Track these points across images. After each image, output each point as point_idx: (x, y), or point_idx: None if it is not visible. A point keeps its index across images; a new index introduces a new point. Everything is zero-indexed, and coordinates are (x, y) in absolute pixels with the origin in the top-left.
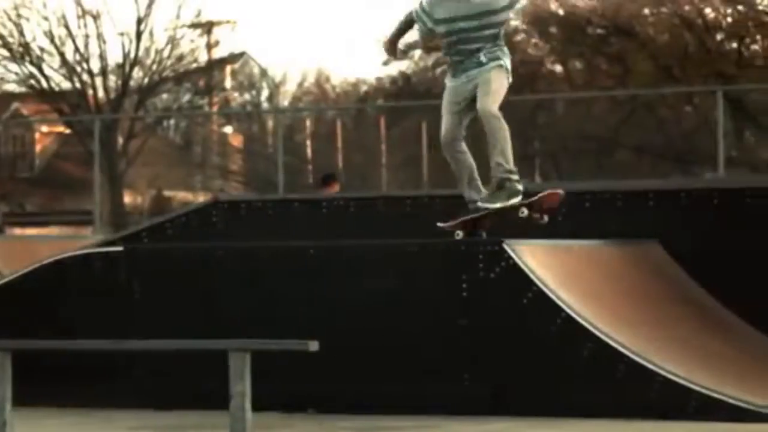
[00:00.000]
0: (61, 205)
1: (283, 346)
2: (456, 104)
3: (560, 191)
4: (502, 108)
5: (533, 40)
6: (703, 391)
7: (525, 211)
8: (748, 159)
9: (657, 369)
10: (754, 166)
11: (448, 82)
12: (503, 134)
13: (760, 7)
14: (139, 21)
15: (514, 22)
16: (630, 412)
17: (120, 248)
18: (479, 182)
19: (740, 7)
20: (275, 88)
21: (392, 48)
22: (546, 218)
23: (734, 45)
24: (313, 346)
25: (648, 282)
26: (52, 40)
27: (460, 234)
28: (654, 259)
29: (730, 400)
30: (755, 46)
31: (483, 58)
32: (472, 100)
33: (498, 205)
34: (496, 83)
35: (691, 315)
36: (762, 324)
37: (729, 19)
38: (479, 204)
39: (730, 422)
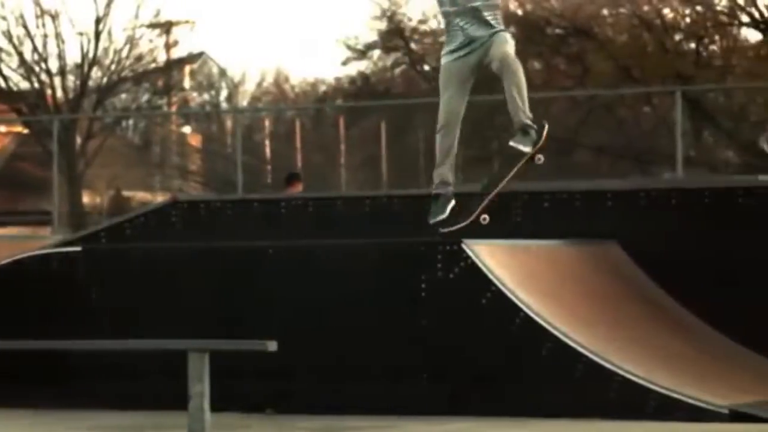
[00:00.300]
0: (20, 205)
1: (241, 347)
2: (461, 81)
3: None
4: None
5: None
6: (662, 390)
7: (541, 158)
8: (706, 159)
9: (616, 369)
10: (713, 166)
11: (450, 57)
12: (524, 80)
13: (718, 8)
14: (98, 21)
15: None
16: (589, 412)
17: (78, 248)
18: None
19: (698, 8)
20: (234, 88)
21: None
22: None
23: (692, 45)
24: (272, 346)
25: (607, 282)
26: (10, 40)
27: (486, 218)
28: (613, 259)
29: (689, 400)
30: (713, 47)
31: (494, 24)
32: (477, 68)
33: (528, 149)
34: (512, 42)
35: (650, 315)
36: (720, 323)
37: (687, 20)
38: (511, 143)
39: (689, 422)
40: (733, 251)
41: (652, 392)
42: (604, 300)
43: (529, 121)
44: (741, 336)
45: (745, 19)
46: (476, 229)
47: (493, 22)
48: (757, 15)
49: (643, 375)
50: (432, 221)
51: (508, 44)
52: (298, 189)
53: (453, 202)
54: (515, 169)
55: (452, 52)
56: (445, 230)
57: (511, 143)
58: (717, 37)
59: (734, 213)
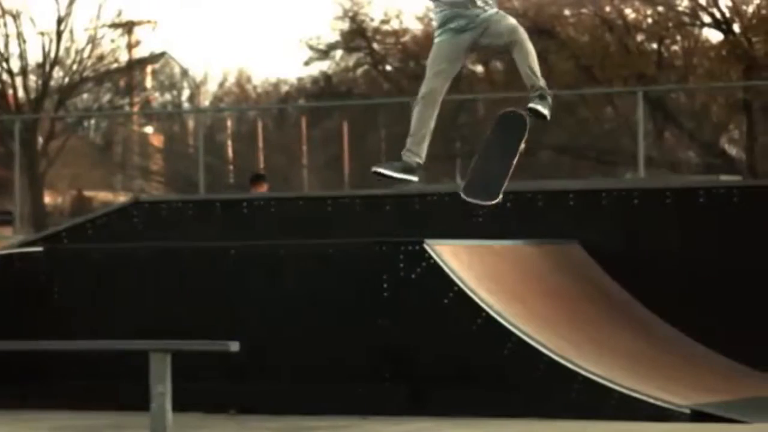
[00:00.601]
0: None
1: (204, 347)
2: (451, 59)
3: None
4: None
5: None
6: (624, 390)
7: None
8: (668, 159)
9: (577, 368)
10: (674, 167)
11: (443, 36)
12: (533, 49)
13: (680, 8)
14: (60, 21)
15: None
16: (551, 412)
17: (40, 249)
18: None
19: (660, 8)
20: (196, 88)
21: None
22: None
23: (654, 46)
24: (234, 346)
25: (568, 281)
26: None
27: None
28: (575, 259)
29: (651, 400)
30: (675, 47)
31: (489, 2)
32: (469, 49)
33: (547, 113)
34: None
35: (612, 314)
36: (682, 323)
37: (649, 20)
38: (531, 105)
39: (650, 421)
40: (694, 251)
41: (613, 392)
42: (565, 300)
43: (545, 88)
44: (702, 335)
45: (706, 19)
46: (437, 230)
47: (488, 1)
48: (718, 15)
49: (605, 374)
50: (378, 168)
51: (510, 18)
52: (263, 189)
53: (409, 175)
54: (525, 137)
55: (445, 31)
56: (472, 203)
57: (531, 105)
58: (679, 38)
59: (695, 213)
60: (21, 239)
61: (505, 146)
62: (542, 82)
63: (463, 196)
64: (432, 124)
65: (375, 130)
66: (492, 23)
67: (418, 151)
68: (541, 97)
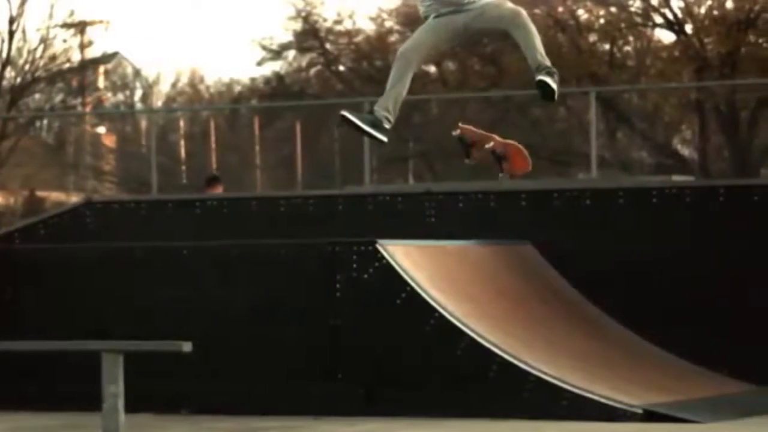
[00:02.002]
0: None
1: (156, 347)
2: (438, 31)
3: None
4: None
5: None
6: (576, 390)
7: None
8: (620, 160)
9: (529, 369)
10: (627, 167)
11: (432, 20)
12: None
13: (632, 9)
14: (12, 20)
15: (388, 23)
16: (503, 412)
17: None
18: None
19: (612, 9)
20: (149, 88)
21: None
22: None
23: (607, 46)
24: (186, 347)
25: (521, 282)
26: None
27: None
28: (527, 259)
29: (603, 400)
30: (627, 48)
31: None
32: (458, 32)
33: (555, 87)
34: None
35: (564, 315)
36: (635, 323)
37: (602, 21)
38: (540, 77)
39: (602, 421)
40: (646, 251)
41: (565, 392)
42: (518, 300)
43: (552, 67)
44: (655, 335)
45: (658, 20)
46: (390, 230)
47: None
48: (670, 16)
49: (557, 375)
50: (346, 112)
51: (508, 2)
52: (218, 191)
53: (376, 131)
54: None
55: (435, 18)
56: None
57: (541, 77)
58: (631, 38)
59: (648, 213)
60: None
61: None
62: (548, 62)
63: None
64: (402, 87)
65: (328, 131)
66: (488, 9)
67: (388, 107)
68: (549, 73)
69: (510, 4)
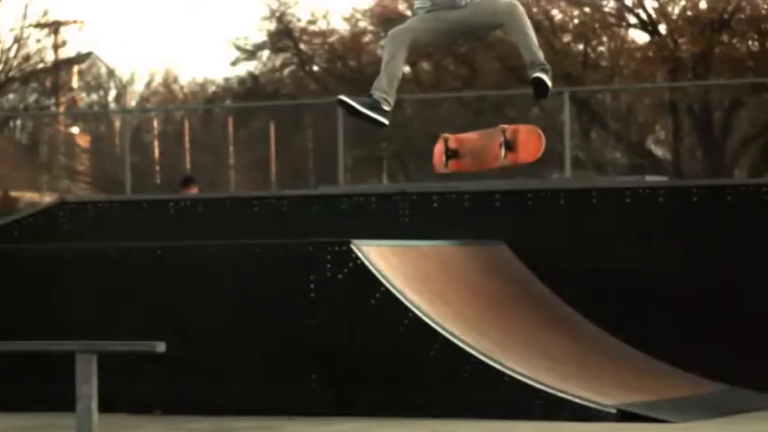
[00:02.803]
0: None
1: (130, 348)
2: (426, 22)
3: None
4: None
5: (381, 41)
6: (550, 390)
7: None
8: (594, 160)
9: (504, 369)
10: (600, 167)
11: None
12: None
13: (606, 9)
14: None
15: (362, 23)
16: (477, 412)
17: None
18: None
19: (587, 9)
20: (122, 89)
21: None
22: None
23: (581, 46)
24: (160, 347)
25: (495, 282)
26: None
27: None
28: (501, 260)
29: (577, 400)
30: (601, 48)
31: None
32: (454, 27)
33: (549, 83)
34: None
35: (538, 315)
36: (609, 324)
37: (576, 21)
38: (535, 75)
39: (576, 421)
40: (620, 251)
41: (539, 392)
42: (492, 300)
43: (547, 64)
44: (628, 335)
45: (632, 20)
46: (364, 230)
47: None
48: (644, 16)
49: (531, 375)
50: (343, 96)
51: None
52: (193, 191)
53: (376, 114)
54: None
55: (429, 11)
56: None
57: (537, 74)
58: (605, 39)
59: (622, 213)
60: None
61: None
62: (543, 57)
63: None
64: (395, 66)
65: (302, 131)
66: (484, 3)
67: (383, 87)
68: (543, 70)
69: None
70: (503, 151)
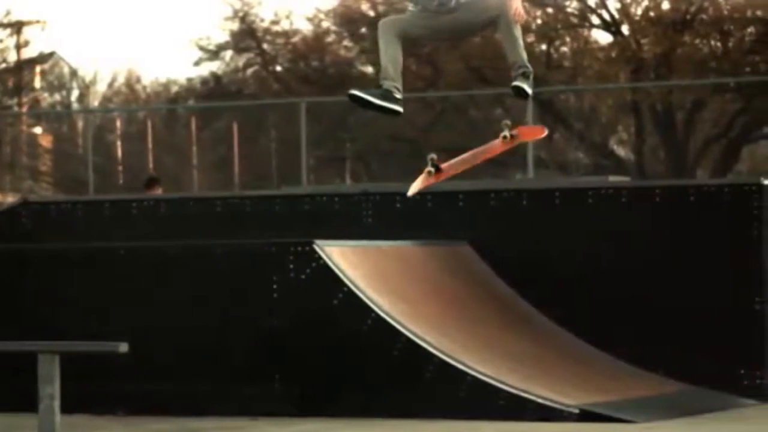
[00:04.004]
0: None
1: (93, 348)
2: (418, 14)
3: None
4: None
5: (344, 42)
6: (512, 390)
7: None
8: (557, 160)
9: (466, 369)
10: (563, 168)
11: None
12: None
13: (569, 9)
14: None
15: (325, 23)
16: (440, 412)
17: None
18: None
19: (549, 10)
20: (85, 89)
21: None
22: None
23: (544, 47)
24: (123, 348)
25: (458, 282)
26: None
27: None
28: (464, 260)
29: (539, 400)
30: (564, 48)
31: None
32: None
33: (530, 91)
34: None
35: (501, 315)
36: (571, 324)
37: (539, 21)
38: (516, 83)
39: (539, 421)
40: (583, 251)
41: (501, 392)
42: (455, 300)
43: (530, 66)
44: (591, 336)
45: (595, 21)
46: (327, 230)
47: None
48: (607, 17)
49: (493, 375)
50: (355, 90)
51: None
52: (157, 192)
53: (389, 103)
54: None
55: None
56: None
57: (516, 83)
58: (568, 39)
59: (584, 213)
60: None
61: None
62: (526, 59)
63: None
64: (395, 50)
65: (265, 131)
66: (475, 3)
67: (389, 74)
68: (525, 75)
69: None
70: (508, 133)
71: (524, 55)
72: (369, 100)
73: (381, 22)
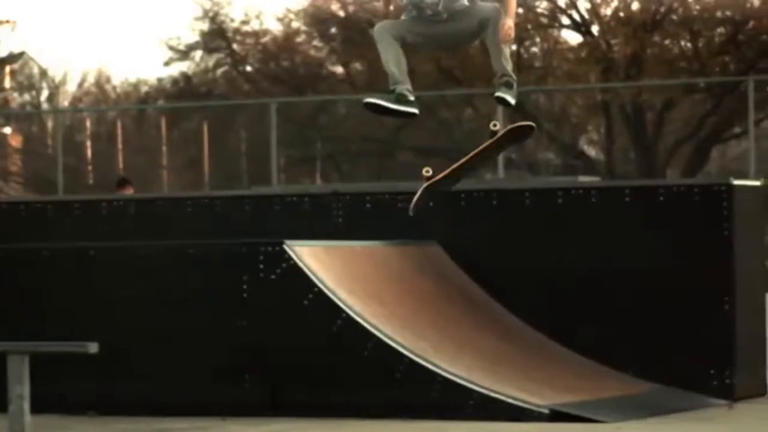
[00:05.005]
0: None
1: (62, 348)
2: (414, 24)
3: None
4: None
5: (314, 42)
6: (483, 390)
7: (497, 124)
8: (527, 160)
9: (437, 369)
10: (533, 168)
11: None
12: None
13: (539, 10)
14: None
15: (295, 23)
16: (411, 412)
17: None
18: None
19: (519, 10)
20: (55, 89)
21: None
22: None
23: (514, 47)
24: (93, 348)
25: (428, 282)
26: None
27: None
28: (434, 260)
29: (510, 400)
30: (534, 49)
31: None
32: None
33: (513, 101)
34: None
35: (472, 315)
36: (542, 324)
37: None
38: (498, 94)
39: (509, 421)
40: (553, 252)
41: (472, 392)
42: (425, 301)
43: (512, 77)
44: (561, 336)
45: (565, 21)
46: (297, 231)
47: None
48: (577, 17)
49: (465, 375)
50: (370, 98)
51: (489, 3)
52: (129, 192)
53: (405, 106)
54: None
55: (420, 17)
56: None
57: (499, 94)
58: (538, 40)
59: (554, 214)
60: None
61: (482, 165)
62: (510, 69)
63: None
64: (396, 50)
65: (235, 131)
66: (467, 11)
67: (397, 77)
68: (508, 85)
69: (489, 4)
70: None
71: (508, 66)
72: (386, 106)
73: (376, 27)
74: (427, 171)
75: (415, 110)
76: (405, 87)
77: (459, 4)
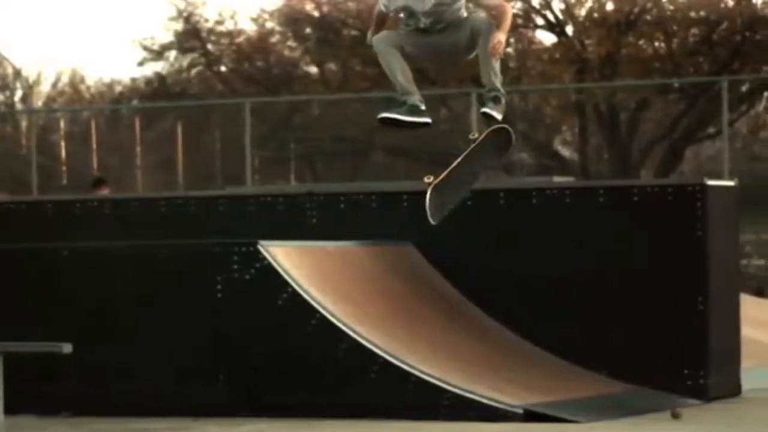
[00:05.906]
0: None
1: (36, 349)
2: (410, 35)
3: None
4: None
5: (288, 42)
6: (457, 390)
7: (476, 134)
8: (501, 161)
9: (411, 369)
10: (507, 168)
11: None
12: None
13: (514, 10)
14: None
15: (270, 24)
16: (385, 413)
17: None
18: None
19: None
20: (29, 89)
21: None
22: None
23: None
24: (67, 348)
25: (402, 283)
26: None
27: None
28: (408, 260)
29: (484, 400)
30: (509, 49)
31: (463, 13)
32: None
33: (500, 117)
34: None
35: (446, 316)
36: (516, 324)
37: None
38: (485, 110)
39: (483, 422)
40: (527, 251)
41: (446, 392)
42: (399, 301)
43: (502, 91)
44: (536, 336)
45: (539, 21)
46: (271, 231)
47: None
48: (551, 18)
49: (438, 375)
50: (384, 113)
51: (481, 15)
52: (105, 192)
53: (418, 117)
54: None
55: (415, 28)
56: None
57: (486, 110)
58: (512, 40)
59: (529, 214)
60: None
61: (478, 169)
62: (499, 84)
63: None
64: (398, 62)
65: (209, 131)
66: (474, 21)
67: (405, 88)
68: (495, 100)
69: (482, 16)
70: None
71: (497, 81)
72: (402, 120)
73: (375, 40)
74: (428, 178)
75: (428, 120)
76: (416, 97)
77: (451, 14)
